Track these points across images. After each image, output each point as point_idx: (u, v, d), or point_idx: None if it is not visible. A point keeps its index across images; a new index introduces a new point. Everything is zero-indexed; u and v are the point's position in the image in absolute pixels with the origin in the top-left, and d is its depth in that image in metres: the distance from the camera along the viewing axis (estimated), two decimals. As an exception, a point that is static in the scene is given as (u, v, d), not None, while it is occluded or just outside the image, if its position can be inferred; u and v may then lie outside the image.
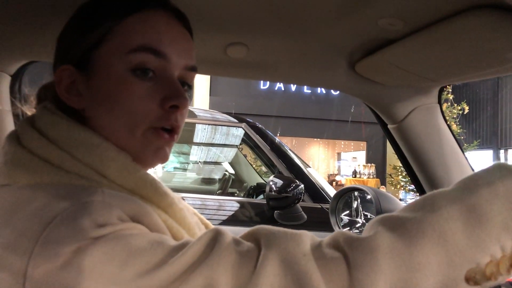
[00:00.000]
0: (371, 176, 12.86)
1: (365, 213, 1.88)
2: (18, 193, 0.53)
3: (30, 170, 0.54)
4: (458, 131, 11.26)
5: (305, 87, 13.58)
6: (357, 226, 1.87)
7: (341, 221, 1.77)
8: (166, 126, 0.59)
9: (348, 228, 1.83)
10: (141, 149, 0.59)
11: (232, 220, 2.57)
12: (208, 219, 2.72)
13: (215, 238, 0.48)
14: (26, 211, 0.49)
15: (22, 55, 0.98)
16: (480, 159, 13.66)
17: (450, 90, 11.16)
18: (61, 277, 0.43)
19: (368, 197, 1.84)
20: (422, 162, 1.19)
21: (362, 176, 13.03)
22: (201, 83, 12.41)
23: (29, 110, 0.70)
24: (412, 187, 10.88)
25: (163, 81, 0.59)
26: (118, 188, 0.56)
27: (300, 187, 2.35)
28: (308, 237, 0.49)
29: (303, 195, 2.39)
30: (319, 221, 2.45)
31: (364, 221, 1.86)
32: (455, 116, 11.26)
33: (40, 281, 0.44)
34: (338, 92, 13.85)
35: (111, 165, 0.56)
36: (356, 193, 1.86)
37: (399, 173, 11.43)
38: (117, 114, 0.57)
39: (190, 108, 3.34)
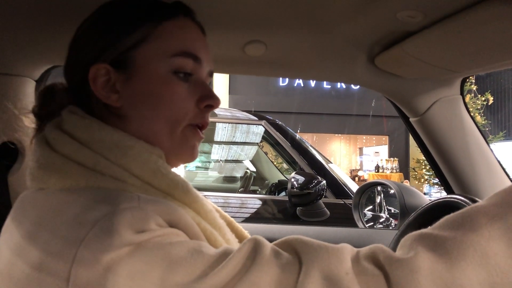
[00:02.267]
0: (394, 171, 12.69)
1: (389, 207, 1.87)
2: (55, 197, 0.54)
3: (65, 174, 0.55)
4: (483, 122, 11.03)
5: (325, 82, 13.48)
6: (381, 221, 1.85)
7: (365, 216, 1.76)
8: (201, 123, 0.64)
9: (372, 223, 1.82)
10: (180, 145, 0.63)
11: (255, 218, 2.58)
12: (231, 217, 2.72)
13: (255, 250, 0.48)
14: (65, 215, 0.50)
15: (46, 60, 1.01)
16: (506, 150, 13.35)
17: (473, 81, 10.93)
18: (102, 284, 0.44)
19: (391, 191, 1.83)
20: (445, 155, 1.17)
21: (385, 170, 12.87)
22: (220, 82, 12.42)
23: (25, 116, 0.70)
24: (437, 180, 10.71)
25: (196, 83, 0.64)
26: (152, 189, 0.57)
27: (322, 183, 2.34)
28: (349, 251, 0.49)
29: (325, 191, 2.38)
30: (342, 217, 2.44)
31: (387, 215, 1.85)
32: (479, 107, 11.03)
33: (83, 286, 0.45)
34: (358, 86, 13.73)
35: (144, 167, 0.57)
36: (379, 188, 1.84)
37: (423, 167, 11.26)
38: (159, 113, 0.61)
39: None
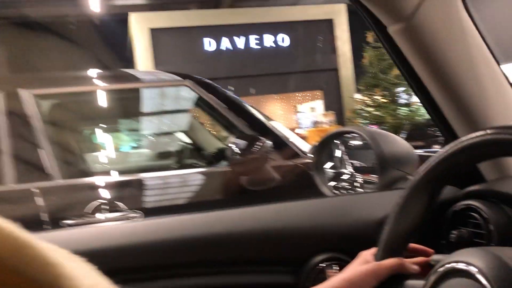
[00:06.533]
0: (332, 124, 12.73)
1: (352, 161, 1.53)
2: None
3: None
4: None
5: (253, 42, 13.11)
6: (345, 178, 1.51)
7: (326, 175, 1.41)
8: None
9: (335, 182, 1.47)
10: None
11: (197, 195, 2.19)
12: (172, 198, 2.26)
13: None
14: None
15: None
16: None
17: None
18: None
19: (354, 142, 1.50)
20: (440, 72, 0.82)
21: (322, 125, 12.88)
22: (144, 56, 11.81)
23: None
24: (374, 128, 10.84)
25: None
26: None
27: (266, 144, 1.98)
28: None
29: (272, 154, 2.02)
30: (294, 180, 2.10)
31: (352, 171, 1.51)
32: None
33: None
34: (287, 43, 13.46)
35: None
36: (337, 141, 1.50)
37: (358, 116, 11.42)
38: None
39: (125, 70, 2.79)
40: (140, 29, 12.07)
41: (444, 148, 0.60)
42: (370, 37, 11.56)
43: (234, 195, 2.03)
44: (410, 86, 0.91)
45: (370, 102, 11.81)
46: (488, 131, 0.54)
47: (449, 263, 0.54)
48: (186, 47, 12.51)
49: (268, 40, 13.41)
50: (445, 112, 0.87)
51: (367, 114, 11.56)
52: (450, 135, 0.90)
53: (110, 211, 1.87)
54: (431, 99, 0.88)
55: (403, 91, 11.55)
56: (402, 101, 11.65)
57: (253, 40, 13.25)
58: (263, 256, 0.89)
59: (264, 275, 0.88)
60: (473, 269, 0.51)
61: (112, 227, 1.00)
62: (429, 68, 0.83)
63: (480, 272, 0.50)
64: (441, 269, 0.55)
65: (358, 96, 12.52)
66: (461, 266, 0.53)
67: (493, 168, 0.91)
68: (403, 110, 11.38)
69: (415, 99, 11.56)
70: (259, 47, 13.28)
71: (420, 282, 0.63)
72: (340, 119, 13.24)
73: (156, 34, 12.23)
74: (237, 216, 0.92)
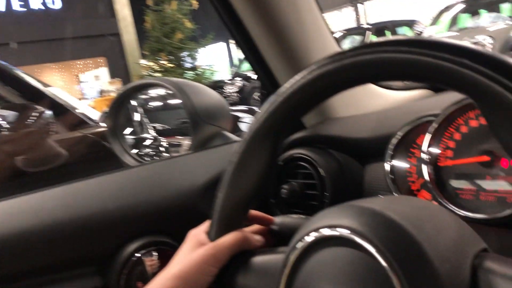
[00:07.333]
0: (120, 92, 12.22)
1: (154, 125, 1.35)
2: None
3: None
4: (192, 27, 11.38)
5: (15, 3, 11.37)
6: (147, 144, 1.32)
7: (126, 142, 1.19)
8: None
9: (137, 150, 1.26)
10: None
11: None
12: None
13: None
14: None
15: None
16: (215, 50, 14.32)
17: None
18: None
19: (153, 104, 1.32)
20: (264, 14, 0.70)
21: (110, 94, 12.22)
22: None
23: None
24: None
25: None
26: None
27: (45, 114, 1.63)
28: None
29: (53, 125, 1.68)
30: (86, 154, 1.80)
31: (156, 135, 1.33)
32: (187, 13, 11.25)
33: None
34: (58, 5, 12.06)
35: None
36: (135, 102, 1.28)
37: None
38: None
39: None
40: None
41: (287, 84, 0.46)
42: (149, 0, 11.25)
43: (6, 182, 1.63)
44: (229, 31, 0.77)
45: (157, 67, 11.63)
46: (348, 54, 0.42)
47: (308, 233, 0.41)
48: None
49: (36, 1, 11.82)
50: (266, 55, 0.75)
51: (155, 80, 11.39)
52: (270, 82, 0.79)
53: None
54: (253, 45, 0.75)
55: (188, 55, 11.70)
56: (187, 65, 11.80)
57: (15, 1, 11.48)
58: (55, 261, 0.64)
59: (59, 286, 0.64)
60: (343, 232, 0.38)
61: None
62: (253, 10, 0.69)
63: (355, 232, 0.37)
64: (301, 243, 0.42)
65: (144, 61, 12.19)
66: (325, 232, 0.40)
67: (311, 113, 0.84)
68: (189, 74, 11.55)
69: (199, 62, 11.87)
70: (24, 9, 11.60)
71: (273, 258, 0.50)
72: (128, 86, 12.79)
73: None
74: (8, 210, 0.64)
